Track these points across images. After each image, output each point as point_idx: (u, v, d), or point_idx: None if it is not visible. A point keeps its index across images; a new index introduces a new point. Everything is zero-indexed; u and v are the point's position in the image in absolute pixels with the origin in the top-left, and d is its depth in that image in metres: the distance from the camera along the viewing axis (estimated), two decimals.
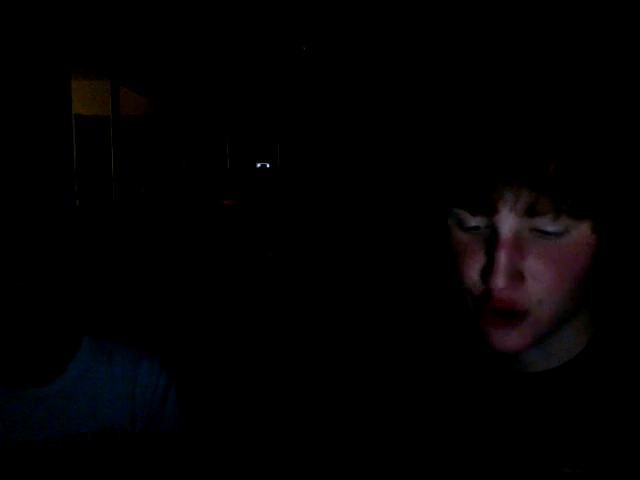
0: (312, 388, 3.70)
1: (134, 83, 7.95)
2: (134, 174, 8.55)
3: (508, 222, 0.65)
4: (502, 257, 0.64)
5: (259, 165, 12.42)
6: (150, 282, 5.65)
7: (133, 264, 5.87)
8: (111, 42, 6.32)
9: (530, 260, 0.65)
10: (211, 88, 9.66)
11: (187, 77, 8.75)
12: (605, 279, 0.70)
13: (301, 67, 8.47)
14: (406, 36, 6.37)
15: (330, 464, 2.79)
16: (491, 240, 0.66)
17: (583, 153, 0.64)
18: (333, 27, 6.60)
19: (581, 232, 0.65)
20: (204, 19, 6.18)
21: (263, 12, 6.05)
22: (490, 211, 0.65)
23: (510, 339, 0.67)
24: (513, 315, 0.66)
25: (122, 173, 7.57)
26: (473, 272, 0.67)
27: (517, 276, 0.65)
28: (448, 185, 0.69)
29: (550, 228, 0.64)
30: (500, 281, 0.64)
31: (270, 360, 4.19)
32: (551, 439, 0.70)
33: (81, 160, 7.25)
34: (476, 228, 0.68)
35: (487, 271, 0.65)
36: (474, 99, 0.70)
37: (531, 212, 0.64)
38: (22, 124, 4.47)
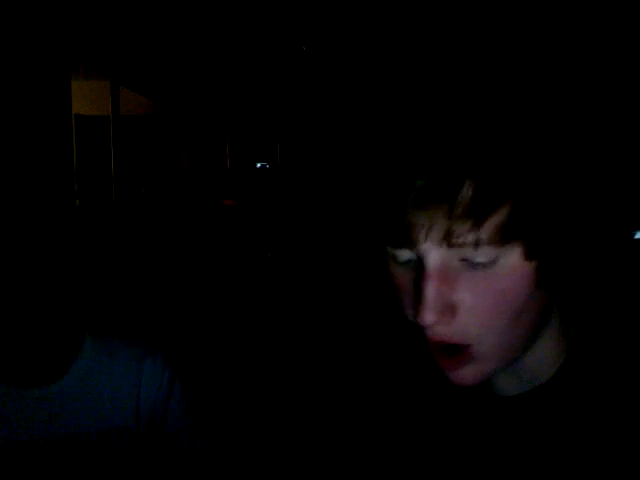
0: (311, 388, 3.70)
1: (134, 83, 7.95)
2: (134, 174, 8.54)
3: (431, 253, 0.60)
4: (428, 290, 0.60)
5: (259, 165, 12.42)
6: (150, 282, 5.64)
7: (133, 264, 5.87)
8: (111, 42, 6.32)
9: (461, 293, 0.60)
10: (211, 88, 9.66)
11: (187, 77, 8.75)
12: (563, 289, 0.64)
13: (301, 67, 8.47)
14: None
15: (324, 464, 2.79)
16: (419, 273, 0.62)
17: (498, 175, 0.57)
18: (333, 27, 6.60)
19: (511, 260, 0.59)
20: (204, 19, 6.18)
21: (263, 12, 6.04)
22: (409, 243, 0.61)
23: (463, 374, 0.63)
24: (457, 350, 0.62)
25: (122, 173, 7.56)
26: (408, 307, 0.63)
27: (448, 310, 0.60)
28: (371, 221, 0.65)
29: (475, 258, 0.59)
30: (428, 316, 0.60)
31: (270, 360, 4.19)
32: (526, 465, 0.67)
33: (81, 160, 7.25)
34: (408, 262, 0.64)
35: (415, 307, 0.61)
36: (382, 121, 0.66)
37: (448, 241, 0.59)
38: (22, 124, 4.47)
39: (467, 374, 0.63)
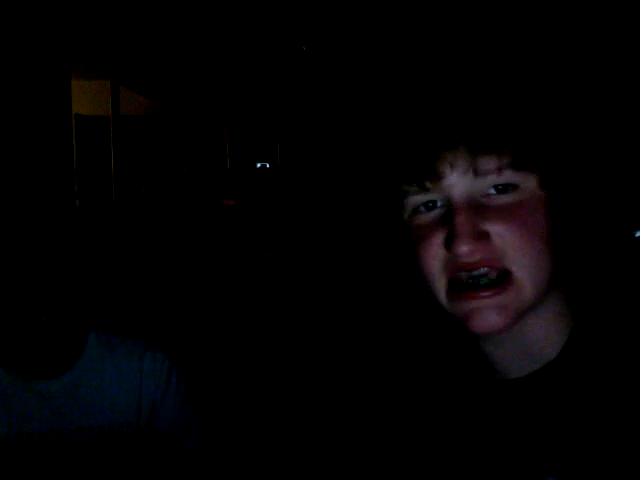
0: (311, 388, 3.70)
1: (134, 83, 7.94)
2: (134, 174, 8.54)
3: (458, 185, 0.64)
4: (460, 220, 0.63)
5: (259, 165, 12.42)
6: (151, 282, 5.64)
7: (133, 264, 5.86)
8: (111, 42, 6.31)
9: (490, 220, 0.64)
10: (211, 88, 9.66)
11: (187, 77, 8.75)
12: (570, 251, 0.68)
13: (301, 67, 8.46)
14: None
15: (325, 464, 2.79)
16: (449, 211, 0.65)
17: (519, 105, 0.63)
18: (333, 27, 6.60)
19: (530, 186, 0.65)
20: (204, 19, 6.18)
21: (263, 12, 6.04)
22: (436, 176, 0.64)
23: (492, 316, 0.65)
24: (497, 281, 0.64)
25: (122, 173, 7.56)
26: (436, 249, 0.66)
27: (483, 235, 0.63)
28: (393, 164, 0.68)
29: (498, 184, 0.64)
30: (465, 242, 0.63)
31: (269, 359, 4.19)
32: (536, 447, 0.68)
33: (81, 160, 7.24)
34: (432, 205, 0.67)
35: (450, 240, 0.64)
36: (405, 66, 0.70)
37: (475, 171, 0.63)
38: (22, 124, 4.47)
39: (495, 316, 0.65)
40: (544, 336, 0.70)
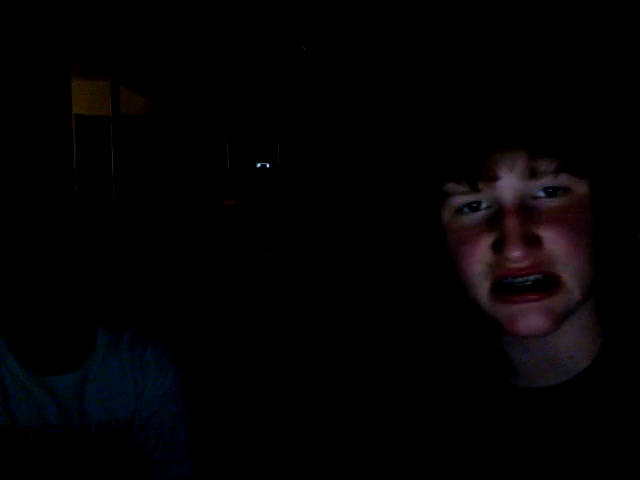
0: (311, 388, 3.69)
1: (134, 83, 7.94)
2: (134, 174, 8.53)
3: (511, 187, 0.63)
4: (513, 223, 0.62)
5: (259, 165, 12.41)
6: (151, 282, 5.64)
7: (133, 264, 5.86)
8: (111, 42, 6.31)
9: (542, 224, 0.63)
10: (211, 88, 9.65)
11: (187, 77, 8.74)
12: (606, 258, 0.67)
13: (301, 67, 8.46)
14: (404, 32, 6.36)
15: (330, 465, 2.79)
16: (497, 213, 0.64)
17: (578, 111, 0.63)
18: (333, 27, 6.60)
19: (580, 191, 0.64)
20: (204, 19, 6.17)
21: (263, 12, 6.04)
22: (490, 177, 0.63)
23: (537, 319, 0.63)
24: (546, 285, 0.63)
25: (122, 173, 7.56)
26: (482, 251, 0.65)
27: (534, 240, 0.62)
28: (440, 164, 0.66)
29: (549, 187, 0.63)
30: (517, 247, 0.61)
31: (270, 360, 4.19)
32: (557, 459, 0.67)
33: (81, 160, 7.23)
34: (476, 206, 0.66)
35: (500, 244, 0.62)
36: (468, 66, 0.69)
37: (531, 173, 0.63)
38: (22, 124, 4.46)
39: (540, 318, 0.64)
40: (575, 345, 0.69)
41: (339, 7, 5.82)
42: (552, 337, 0.66)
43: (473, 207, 0.66)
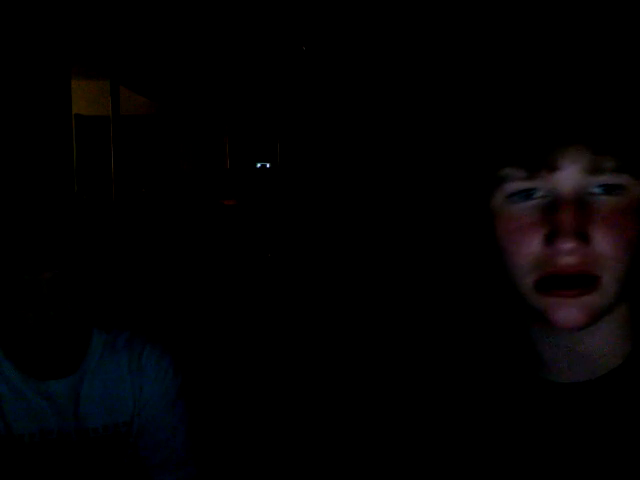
0: (310, 388, 3.69)
1: (134, 83, 7.94)
2: (134, 174, 8.53)
3: (571, 180, 0.63)
4: (568, 216, 0.62)
5: (259, 165, 12.42)
6: (151, 282, 5.64)
7: (133, 264, 5.87)
8: (111, 42, 6.31)
9: (595, 225, 0.63)
10: (211, 88, 9.65)
11: (187, 77, 8.74)
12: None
13: (301, 67, 8.46)
14: (405, 30, 6.36)
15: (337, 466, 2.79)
16: (552, 204, 0.64)
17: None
18: (333, 27, 6.60)
19: (636, 193, 0.64)
20: (204, 19, 6.17)
21: (263, 12, 6.04)
22: (552, 167, 0.63)
23: (574, 313, 0.64)
24: (585, 282, 0.63)
25: (122, 173, 7.56)
26: (533, 243, 0.64)
27: (584, 237, 0.62)
28: (507, 144, 0.66)
29: (606, 184, 0.63)
30: (571, 239, 0.61)
31: (270, 360, 4.19)
32: (583, 455, 0.67)
33: (81, 160, 7.23)
34: (529, 194, 0.66)
35: (552, 236, 0.62)
36: (539, 59, 0.68)
37: (593, 168, 0.62)
38: (22, 124, 4.47)
39: (577, 313, 0.64)
40: (606, 345, 0.69)
41: (339, 7, 5.82)
42: (585, 334, 0.67)
43: (526, 195, 0.66)
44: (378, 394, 3.09)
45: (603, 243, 0.63)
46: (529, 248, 0.65)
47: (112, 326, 1.36)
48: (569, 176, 0.63)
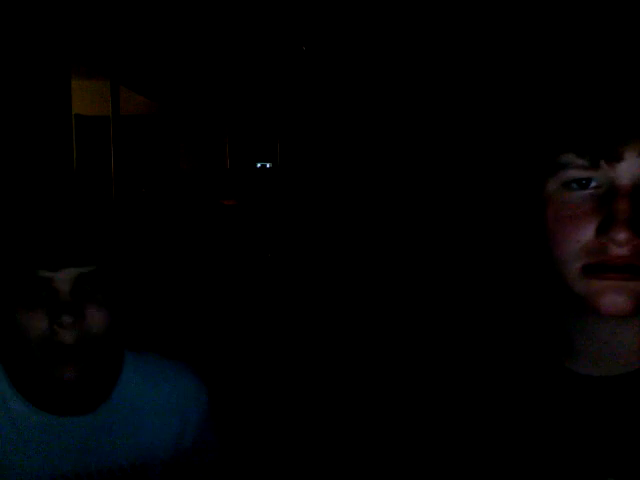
0: (311, 388, 3.69)
1: (134, 83, 7.94)
2: (134, 174, 8.54)
3: (632, 171, 0.63)
4: (627, 205, 0.62)
5: (259, 165, 12.42)
6: (150, 281, 5.63)
7: (133, 264, 5.86)
8: (111, 42, 6.31)
9: None
10: (211, 88, 9.66)
11: (187, 77, 8.75)
12: None
13: (301, 67, 8.46)
14: (405, 29, 6.36)
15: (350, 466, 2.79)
16: (608, 194, 0.64)
17: None
18: (333, 27, 6.60)
19: None
20: (204, 19, 6.17)
21: (263, 12, 6.04)
22: (614, 158, 0.63)
23: (621, 298, 0.64)
24: (634, 271, 0.63)
25: (122, 173, 7.56)
26: (586, 231, 0.64)
27: (637, 230, 0.62)
28: (571, 131, 0.66)
29: None
30: (625, 229, 0.61)
31: (270, 360, 4.19)
32: (601, 447, 0.67)
33: (81, 160, 7.23)
34: (585, 183, 0.65)
35: (606, 225, 0.62)
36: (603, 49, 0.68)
37: None
38: (22, 124, 4.47)
39: (624, 301, 0.64)
40: (635, 343, 0.69)
41: (339, 7, 5.82)
42: (621, 327, 0.67)
43: (582, 184, 0.65)
44: (389, 391, 3.09)
45: None
46: (581, 235, 0.65)
47: (144, 347, 1.16)
48: (630, 167, 0.63)
